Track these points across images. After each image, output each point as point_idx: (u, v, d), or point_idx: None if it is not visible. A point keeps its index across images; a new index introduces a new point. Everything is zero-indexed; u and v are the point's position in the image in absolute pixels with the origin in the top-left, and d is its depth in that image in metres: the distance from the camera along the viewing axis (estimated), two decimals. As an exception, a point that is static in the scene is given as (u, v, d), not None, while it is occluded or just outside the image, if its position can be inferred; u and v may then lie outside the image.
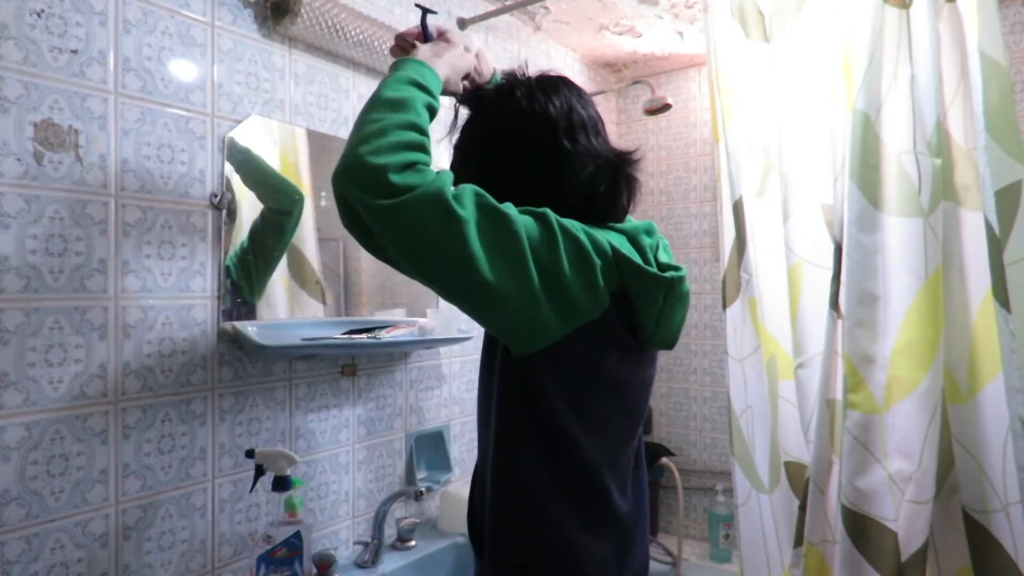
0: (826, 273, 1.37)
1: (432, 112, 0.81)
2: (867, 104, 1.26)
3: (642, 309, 0.81)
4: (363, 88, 1.56)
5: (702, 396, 2.50)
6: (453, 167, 0.91)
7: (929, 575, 1.26)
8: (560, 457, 0.80)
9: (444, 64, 0.88)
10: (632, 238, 0.84)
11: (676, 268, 0.84)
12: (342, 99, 1.51)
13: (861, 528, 1.23)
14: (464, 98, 0.95)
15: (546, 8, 2.03)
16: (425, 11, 0.96)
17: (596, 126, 0.88)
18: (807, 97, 1.43)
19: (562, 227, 0.74)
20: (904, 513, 1.21)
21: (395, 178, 0.68)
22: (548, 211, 0.75)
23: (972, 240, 1.23)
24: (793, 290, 1.44)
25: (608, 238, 0.79)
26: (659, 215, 2.59)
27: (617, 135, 2.70)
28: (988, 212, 1.17)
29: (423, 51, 0.89)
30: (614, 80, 2.64)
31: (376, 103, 0.76)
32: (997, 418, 1.19)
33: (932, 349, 1.23)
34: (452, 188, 0.71)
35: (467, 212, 0.69)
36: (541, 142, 0.84)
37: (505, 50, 2.03)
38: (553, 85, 0.88)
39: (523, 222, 0.72)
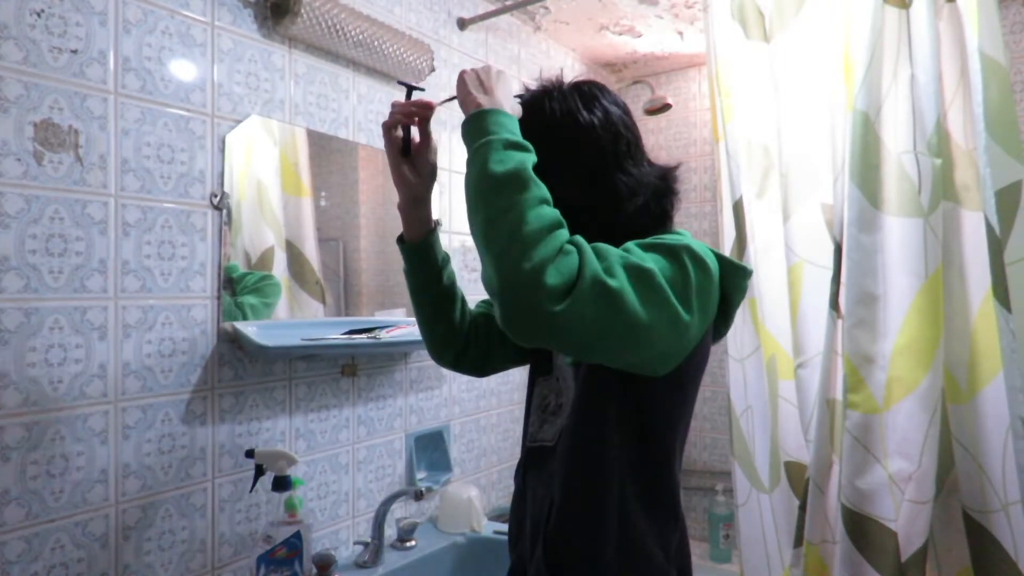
0: (826, 273, 1.37)
1: (535, 164, 0.76)
2: (867, 104, 1.26)
3: (735, 306, 0.85)
4: (363, 88, 1.56)
5: (702, 396, 2.49)
6: None
7: (929, 575, 1.26)
8: (650, 462, 0.83)
9: (508, 101, 0.83)
10: None
11: (742, 263, 0.88)
12: (342, 99, 1.51)
13: (861, 528, 1.23)
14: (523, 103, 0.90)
15: (546, 8, 2.03)
16: (410, 88, 0.94)
17: (638, 141, 0.89)
18: (807, 97, 1.43)
19: (694, 259, 0.75)
20: (904, 513, 1.21)
21: (551, 281, 0.66)
22: (681, 247, 0.75)
23: (972, 240, 1.23)
24: (793, 290, 1.44)
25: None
26: (659, 215, 2.59)
27: (617, 135, 2.69)
28: (988, 212, 1.17)
29: (483, 98, 0.81)
30: (614, 80, 2.64)
31: (494, 185, 0.71)
32: (997, 418, 1.19)
33: (932, 349, 1.23)
34: (594, 258, 0.69)
35: (621, 281, 0.68)
36: (587, 171, 0.84)
37: (505, 50, 2.03)
38: (592, 96, 0.87)
39: (661, 269, 0.72)
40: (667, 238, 0.77)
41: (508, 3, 1.92)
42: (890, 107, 1.26)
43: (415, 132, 0.95)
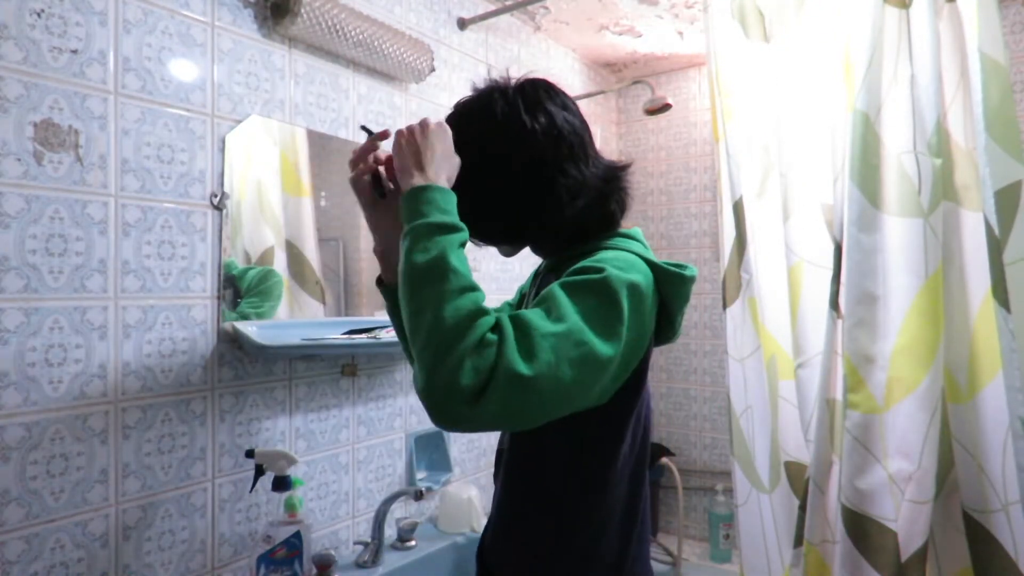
0: (826, 273, 1.37)
1: (464, 243, 0.76)
2: (867, 104, 1.26)
3: (678, 311, 0.85)
4: (363, 88, 1.56)
5: (702, 396, 2.50)
6: None
7: (929, 575, 1.26)
8: (592, 477, 0.82)
9: (444, 169, 0.80)
10: (642, 243, 0.87)
11: (683, 266, 0.85)
12: (342, 99, 1.51)
13: (861, 528, 1.23)
14: (449, 120, 0.88)
15: (546, 8, 2.03)
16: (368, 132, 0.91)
17: (583, 143, 0.85)
18: (807, 97, 1.43)
19: (629, 290, 0.74)
20: (904, 513, 1.21)
21: (466, 381, 0.65)
22: (611, 283, 0.73)
23: (972, 240, 1.23)
24: (793, 290, 1.44)
25: (641, 252, 0.81)
26: (659, 215, 2.60)
27: (617, 135, 2.70)
28: (988, 212, 1.17)
29: (417, 174, 0.78)
30: (614, 80, 2.64)
31: (415, 276, 0.71)
32: (997, 418, 1.19)
33: (932, 349, 1.23)
34: (512, 345, 0.67)
35: (539, 365, 0.67)
36: (525, 175, 0.82)
37: (505, 50, 2.03)
38: (536, 100, 0.84)
39: (585, 315, 0.71)
40: (593, 276, 0.73)
41: (508, 3, 1.92)
42: (890, 107, 1.26)
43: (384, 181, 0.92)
